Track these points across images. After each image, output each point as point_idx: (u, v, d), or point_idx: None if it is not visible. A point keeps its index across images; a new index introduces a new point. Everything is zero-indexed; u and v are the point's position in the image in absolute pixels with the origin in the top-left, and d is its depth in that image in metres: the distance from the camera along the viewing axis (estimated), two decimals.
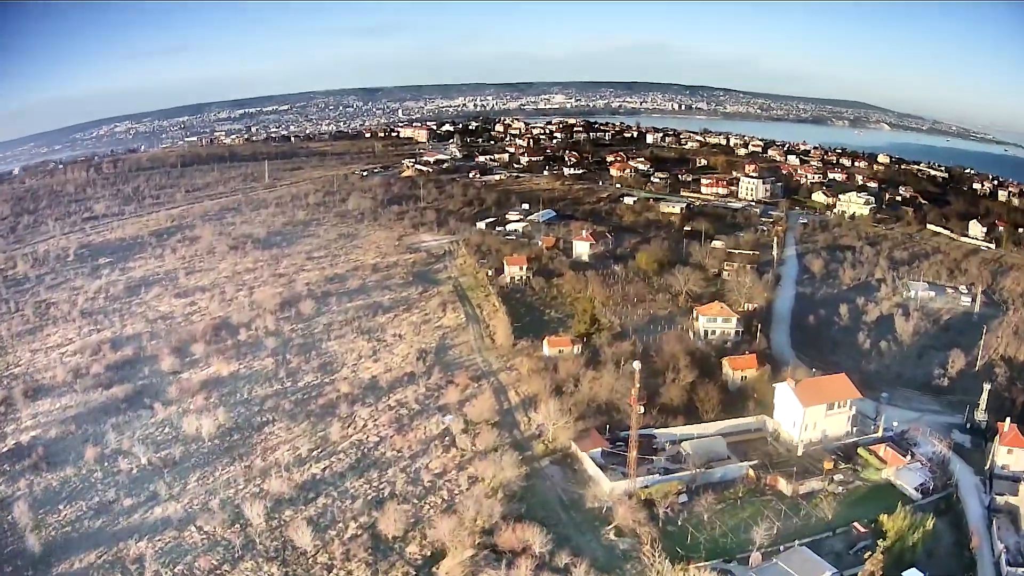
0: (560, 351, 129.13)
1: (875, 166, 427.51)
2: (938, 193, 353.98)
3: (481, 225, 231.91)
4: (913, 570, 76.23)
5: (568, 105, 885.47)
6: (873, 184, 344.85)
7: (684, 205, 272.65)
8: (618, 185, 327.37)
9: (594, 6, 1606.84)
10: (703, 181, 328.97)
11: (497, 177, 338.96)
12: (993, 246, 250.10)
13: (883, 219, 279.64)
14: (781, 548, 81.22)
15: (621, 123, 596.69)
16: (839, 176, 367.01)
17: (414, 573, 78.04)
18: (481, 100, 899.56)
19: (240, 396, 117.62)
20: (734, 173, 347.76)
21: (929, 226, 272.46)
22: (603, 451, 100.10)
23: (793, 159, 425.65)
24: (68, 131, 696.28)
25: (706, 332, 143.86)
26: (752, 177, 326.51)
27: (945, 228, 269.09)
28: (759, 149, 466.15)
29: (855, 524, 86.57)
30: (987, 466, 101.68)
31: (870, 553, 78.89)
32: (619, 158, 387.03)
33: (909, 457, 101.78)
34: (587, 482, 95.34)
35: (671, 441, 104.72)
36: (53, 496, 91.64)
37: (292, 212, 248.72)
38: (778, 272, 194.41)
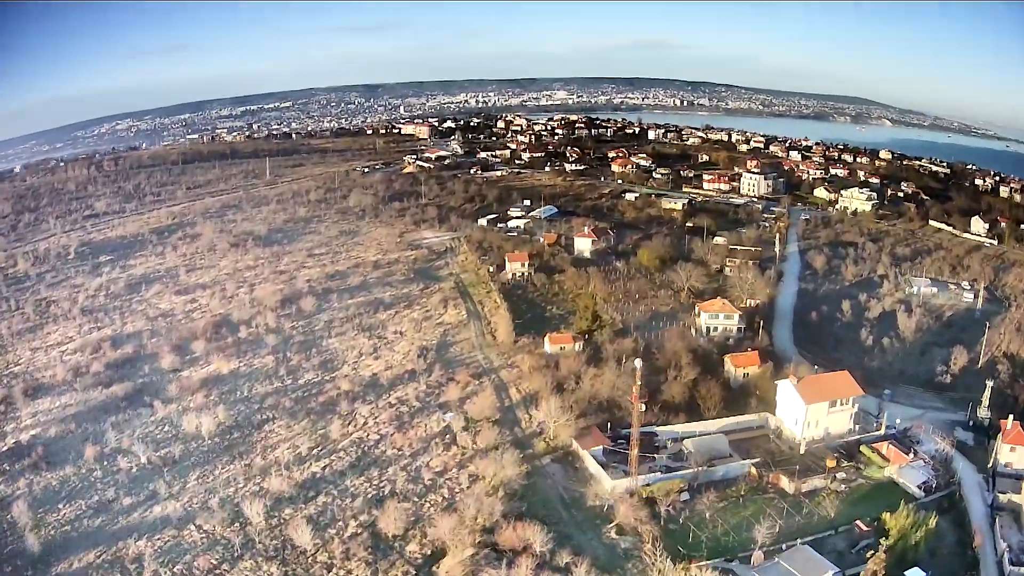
0: (561, 348, 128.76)
1: (877, 162, 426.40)
2: (940, 189, 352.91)
3: (482, 221, 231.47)
4: (916, 569, 75.96)
5: (570, 101, 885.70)
6: (875, 180, 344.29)
7: (686, 201, 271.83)
8: (620, 181, 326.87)
9: (596, 3, 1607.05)
10: (705, 177, 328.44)
11: (499, 173, 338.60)
12: (995, 242, 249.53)
13: (885, 215, 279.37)
14: (783, 547, 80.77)
15: (623, 119, 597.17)
16: (841, 172, 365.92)
17: (414, 572, 77.70)
18: (483, 96, 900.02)
19: (240, 394, 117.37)
20: (736, 169, 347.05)
21: (931, 222, 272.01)
22: (604, 449, 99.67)
23: (795, 155, 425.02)
24: (69, 129, 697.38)
25: (708, 329, 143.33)
26: (754, 173, 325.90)
27: (947, 224, 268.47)
28: (761, 145, 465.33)
29: (857, 522, 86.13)
30: (990, 464, 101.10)
31: (872, 552, 78.59)
32: (621, 154, 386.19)
33: (912, 455, 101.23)
34: (588, 480, 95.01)
35: (673, 439, 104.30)
36: (53, 495, 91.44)
37: (293, 209, 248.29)
38: (780, 268, 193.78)
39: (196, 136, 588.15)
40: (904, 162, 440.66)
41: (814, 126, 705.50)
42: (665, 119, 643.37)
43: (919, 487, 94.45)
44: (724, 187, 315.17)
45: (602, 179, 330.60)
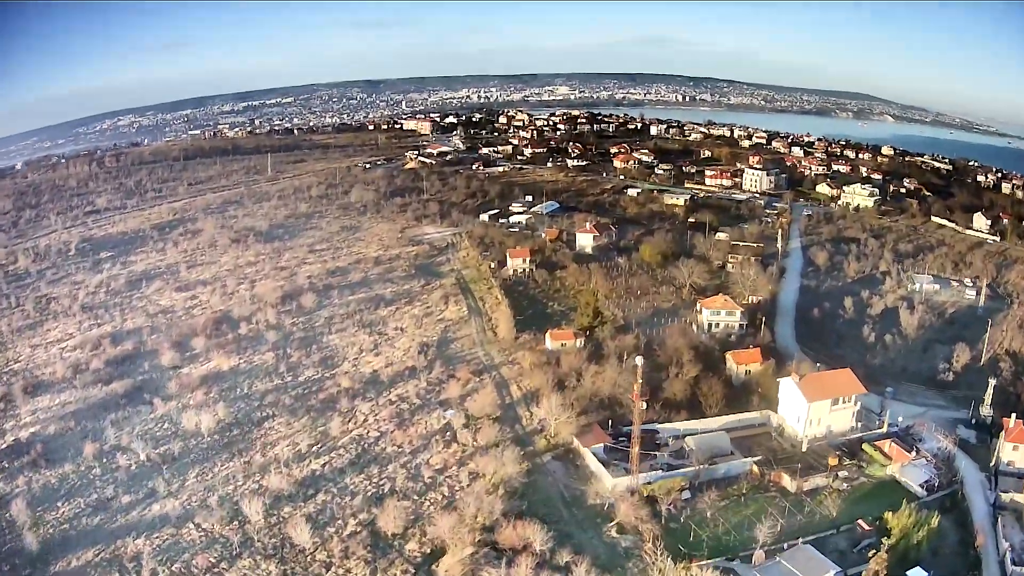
0: (563, 345, 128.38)
1: (879, 158, 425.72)
2: (942, 185, 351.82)
3: (484, 217, 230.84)
4: (917, 569, 75.55)
5: (572, 97, 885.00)
6: (877, 176, 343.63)
7: (688, 197, 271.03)
8: (622, 177, 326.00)
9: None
10: (707, 173, 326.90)
11: (500, 169, 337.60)
12: (998, 239, 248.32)
13: (887, 211, 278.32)
14: (784, 546, 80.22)
15: (625, 115, 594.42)
16: (843, 168, 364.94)
17: (413, 571, 77.34)
18: (485, 92, 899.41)
19: (240, 391, 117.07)
20: (738, 165, 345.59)
21: (933, 218, 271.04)
22: (605, 447, 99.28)
23: (797, 151, 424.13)
24: (71, 125, 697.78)
25: (710, 325, 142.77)
26: (756, 169, 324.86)
27: (949, 220, 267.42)
28: (763, 141, 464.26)
29: (859, 521, 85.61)
30: (992, 462, 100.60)
31: (874, 551, 78.13)
32: (623, 150, 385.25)
33: (914, 453, 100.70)
34: (589, 478, 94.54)
35: (674, 436, 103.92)
36: (51, 493, 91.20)
37: (294, 205, 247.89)
38: (782, 264, 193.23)
39: (198, 132, 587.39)
40: (906, 158, 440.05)
41: (816, 122, 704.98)
42: (667, 115, 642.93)
43: (921, 486, 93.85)
44: (726, 183, 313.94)
45: (604, 175, 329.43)
